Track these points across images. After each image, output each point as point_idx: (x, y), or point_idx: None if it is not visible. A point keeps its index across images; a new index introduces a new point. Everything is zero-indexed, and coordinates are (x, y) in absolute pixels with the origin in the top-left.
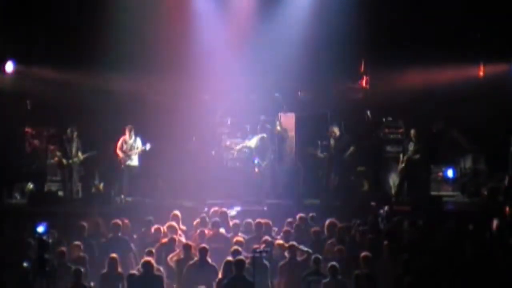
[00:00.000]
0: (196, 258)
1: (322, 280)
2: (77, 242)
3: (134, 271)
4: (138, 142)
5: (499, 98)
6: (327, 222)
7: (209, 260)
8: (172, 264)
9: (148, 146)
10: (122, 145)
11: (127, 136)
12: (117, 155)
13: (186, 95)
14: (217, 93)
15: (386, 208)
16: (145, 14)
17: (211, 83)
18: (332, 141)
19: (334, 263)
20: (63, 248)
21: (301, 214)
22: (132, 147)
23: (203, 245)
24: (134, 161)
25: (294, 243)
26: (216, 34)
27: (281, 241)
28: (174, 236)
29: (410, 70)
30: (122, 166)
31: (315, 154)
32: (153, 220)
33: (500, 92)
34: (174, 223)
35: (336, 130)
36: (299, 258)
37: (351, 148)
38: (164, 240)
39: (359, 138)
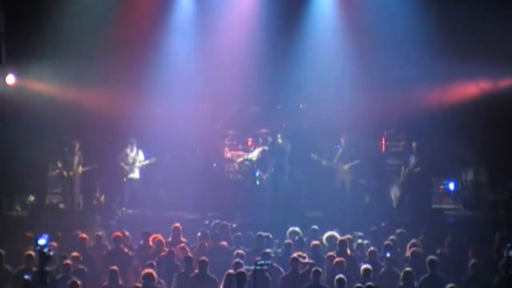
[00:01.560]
0: (196, 271)
1: None
2: (75, 254)
3: (138, 284)
4: (141, 155)
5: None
6: (327, 234)
7: (209, 273)
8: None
9: (153, 160)
10: (124, 158)
11: (128, 149)
12: (120, 167)
13: (186, 107)
14: (219, 105)
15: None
16: (146, 29)
17: (213, 95)
18: (340, 151)
19: (341, 275)
20: (68, 261)
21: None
22: (134, 160)
23: (203, 257)
24: (136, 174)
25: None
26: (218, 44)
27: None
28: (173, 249)
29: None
30: (124, 179)
31: (319, 161)
32: (152, 232)
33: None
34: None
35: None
36: (300, 271)
37: (356, 161)
38: (163, 253)
39: (361, 150)
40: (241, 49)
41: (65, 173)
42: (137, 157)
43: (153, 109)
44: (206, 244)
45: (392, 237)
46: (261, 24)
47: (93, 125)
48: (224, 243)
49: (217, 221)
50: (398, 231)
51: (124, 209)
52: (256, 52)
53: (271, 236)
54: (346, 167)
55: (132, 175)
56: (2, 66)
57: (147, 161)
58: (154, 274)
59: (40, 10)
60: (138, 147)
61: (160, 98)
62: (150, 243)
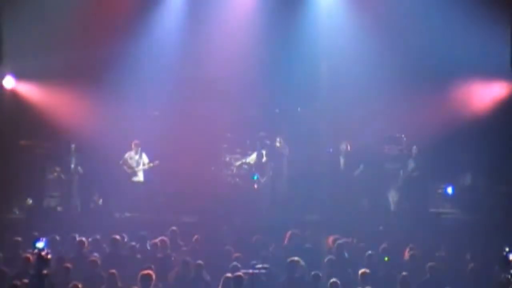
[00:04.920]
0: (192, 274)
1: None
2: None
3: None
4: (144, 157)
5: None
6: (329, 238)
7: (205, 276)
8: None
9: (157, 163)
10: (127, 161)
11: (133, 152)
12: (123, 170)
13: (185, 110)
14: (217, 108)
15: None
16: (146, 30)
17: (211, 98)
18: (342, 159)
19: (335, 279)
20: (68, 264)
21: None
22: (138, 163)
23: (199, 261)
24: (140, 177)
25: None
26: (215, 46)
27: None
28: (168, 252)
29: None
30: (128, 181)
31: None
32: (150, 235)
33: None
34: (167, 239)
35: (348, 148)
36: (297, 274)
37: (361, 166)
38: (158, 254)
39: (360, 154)
40: (239, 51)
41: (62, 176)
42: (141, 160)
43: (151, 112)
44: (203, 248)
45: (389, 241)
46: (259, 23)
47: (89, 127)
48: (222, 246)
49: (215, 224)
50: (394, 235)
51: (122, 212)
52: (254, 53)
53: (268, 239)
54: (355, 173)
55: (135, 178)
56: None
57: (151, 164)
58: (153, 275)
59: None
60: (142, 150)
61: (157, 101)
62: (147, 246)
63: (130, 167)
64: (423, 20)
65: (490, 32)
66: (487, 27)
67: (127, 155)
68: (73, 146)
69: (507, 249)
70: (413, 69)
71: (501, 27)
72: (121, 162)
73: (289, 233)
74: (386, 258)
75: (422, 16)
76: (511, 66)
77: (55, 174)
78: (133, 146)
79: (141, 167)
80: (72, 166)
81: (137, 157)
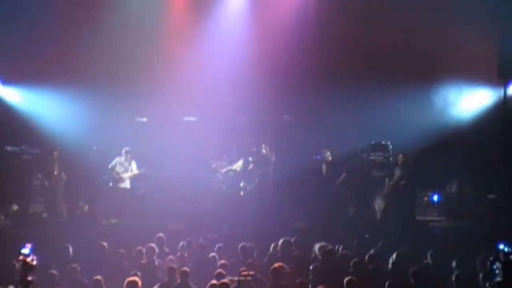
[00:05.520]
0: (178, 281)
1: None
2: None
3: None
4: (133, 165)
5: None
6: (316, 246)
7: (191, 283)
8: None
9: (143, 171)
10: (115, 166)
11: (122, 158)
12: (110, 176)
13: (172, 116)
14: (204, 115)
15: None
16: (135, 36)
17: (198, 104)
18: (324, 166)
19: (321, 287)
20: (53, 271)
21: (285, 238)
22: (126, 169)
23: (185, 268)
24: (126, 183)
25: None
26: (204, 54)
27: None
28: (154, 259)
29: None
30: (115, 188)
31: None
32: (136, 242)
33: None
34: (153, 245)
35: (329, 155)
36: (283, 282)
37: (343, 175)
38: (143, 261)
39: (346, 162)
40: (226, 57)
41: (46, 183)
42: (130, 167)
43: (138, 119)
44: (189, 255)
45: (375, 248)
46: (247, 29)
47: (76, 133)
48: (208, 253)
49: (201, 231)
50: (380, 243)
51: (108, 218)
52: (242, 59)
53: (254, 246)
54: (337, 182)
55: (122, 185)
56: None
57: (137, 172)
58: (138, 282)
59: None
60: (132, 158)
61: (145, 108)
62: (132, 253)
63: (118, 173)
64: (410, 23)
65: (478, 38)
66: (476, 32)
67: (116, 161)
68: (55, 152)
69: (492, 258)
70: (399, 75)
71: (489, 32)
72: (109, 167)
73: (281, 241)
74: (371, 267)
75: (409, 19)
76: (498, 73)
77: (38, 180)
78: (123, 152)
79: (129, 174)
80: (56, 172)
81: (126, 163)
